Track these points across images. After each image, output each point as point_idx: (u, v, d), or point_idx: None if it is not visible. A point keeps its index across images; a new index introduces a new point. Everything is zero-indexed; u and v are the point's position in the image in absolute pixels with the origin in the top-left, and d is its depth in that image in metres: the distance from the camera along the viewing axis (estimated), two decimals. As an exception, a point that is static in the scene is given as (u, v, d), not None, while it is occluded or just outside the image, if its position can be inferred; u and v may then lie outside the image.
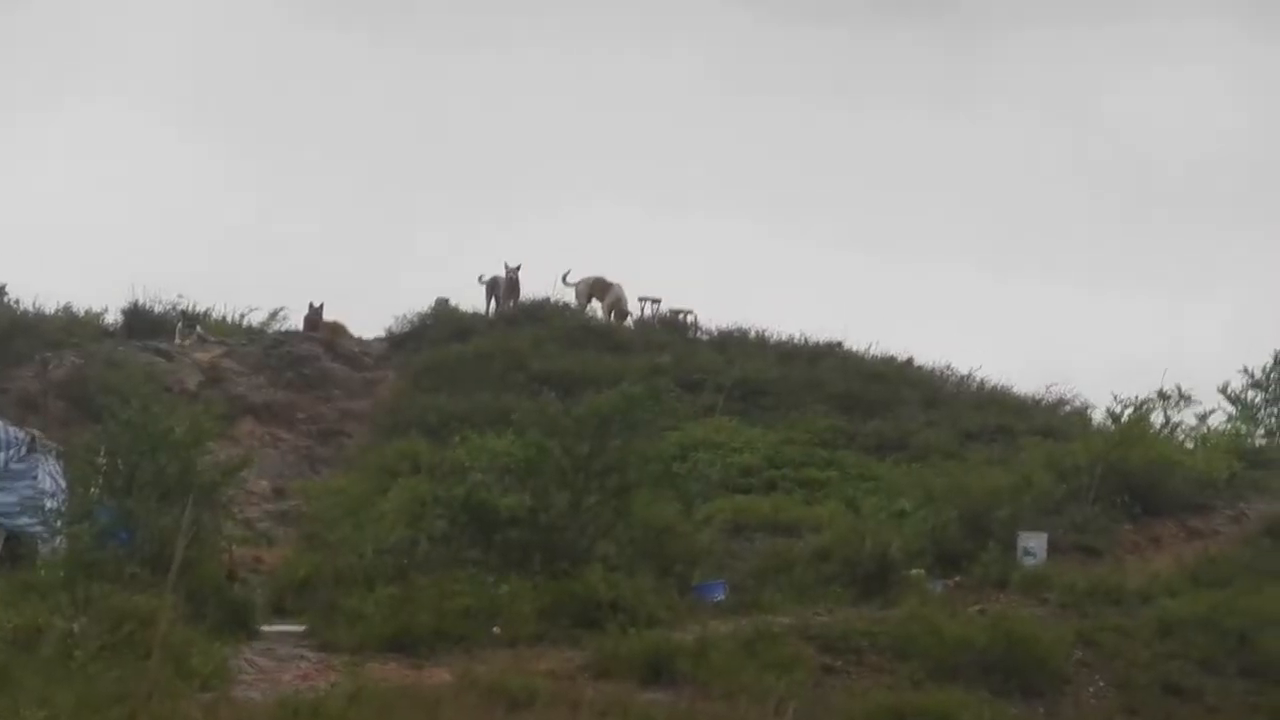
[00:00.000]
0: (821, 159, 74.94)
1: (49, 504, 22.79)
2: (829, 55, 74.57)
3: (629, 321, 39.97)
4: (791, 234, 68.40)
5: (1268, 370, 39.47)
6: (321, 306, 38.88)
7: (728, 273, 60.78)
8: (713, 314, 40.55)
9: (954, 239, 72.06)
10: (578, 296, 40.03)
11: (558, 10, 77.93)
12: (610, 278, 40.19)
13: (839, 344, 39.13)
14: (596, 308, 40.10)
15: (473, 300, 40.23)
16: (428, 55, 75.54)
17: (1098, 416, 34.70)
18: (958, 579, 25.47)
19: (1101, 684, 21.45)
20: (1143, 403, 32.52)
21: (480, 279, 40.10)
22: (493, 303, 39.89)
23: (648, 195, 72.21)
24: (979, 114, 75.94)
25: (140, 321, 37.94)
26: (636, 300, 40.54)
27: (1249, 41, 76.41)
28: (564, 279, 40.09)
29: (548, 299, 40.20)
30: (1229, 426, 37.28)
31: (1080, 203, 72.19)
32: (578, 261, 40.91)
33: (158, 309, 38.46)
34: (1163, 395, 34.70)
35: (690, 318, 40.21)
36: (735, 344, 38.90)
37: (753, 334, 39.67)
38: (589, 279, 40.07)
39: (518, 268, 39.52)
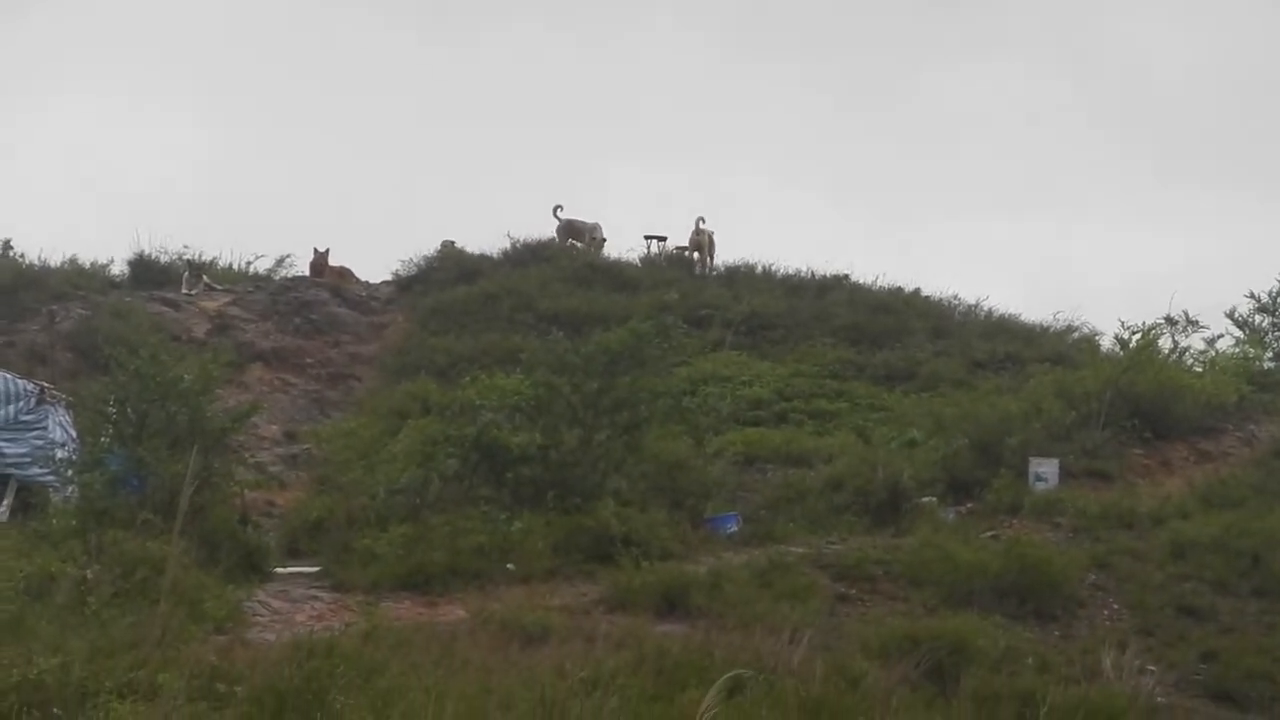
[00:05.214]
0: (823, 106, 74.97)
1: (60, 454, 22.79)
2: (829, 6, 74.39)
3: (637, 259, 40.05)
4: (795, 177, 68.50)
5: (1275, 295, 39.22)
6: (327, 252, 38.75)
7: (735, 214, 60.89)
8: (720, 252, 40.49)
9: (958, 172, 72.14)
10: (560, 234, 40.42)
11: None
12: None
13: (846, 276, 39.13)
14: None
15: (477, 242, 40.29)
16: (437, 16, 75.57)
17: (1106, 343, 34.54)
18: (970, 506, 25.52)
19: (1115, 606, 21.48)
20: (1150, 328, 32.22)
21: (556, 212, 40.42)
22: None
23: (654, 146, 72.32)
24: (981, 52, 75.92)
25: (146, 272, 37.90)
26: (642, 238, 40.95)
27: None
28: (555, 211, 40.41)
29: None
30: (1237, 351, 37.08)
31: (1085, 135, 72.17)
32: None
33: (164, 259, 38.44)
34: (1170, 320, 34.51)
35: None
36: (742, 279, 38.81)
37: (759, 269, 39.62)
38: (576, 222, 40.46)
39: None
